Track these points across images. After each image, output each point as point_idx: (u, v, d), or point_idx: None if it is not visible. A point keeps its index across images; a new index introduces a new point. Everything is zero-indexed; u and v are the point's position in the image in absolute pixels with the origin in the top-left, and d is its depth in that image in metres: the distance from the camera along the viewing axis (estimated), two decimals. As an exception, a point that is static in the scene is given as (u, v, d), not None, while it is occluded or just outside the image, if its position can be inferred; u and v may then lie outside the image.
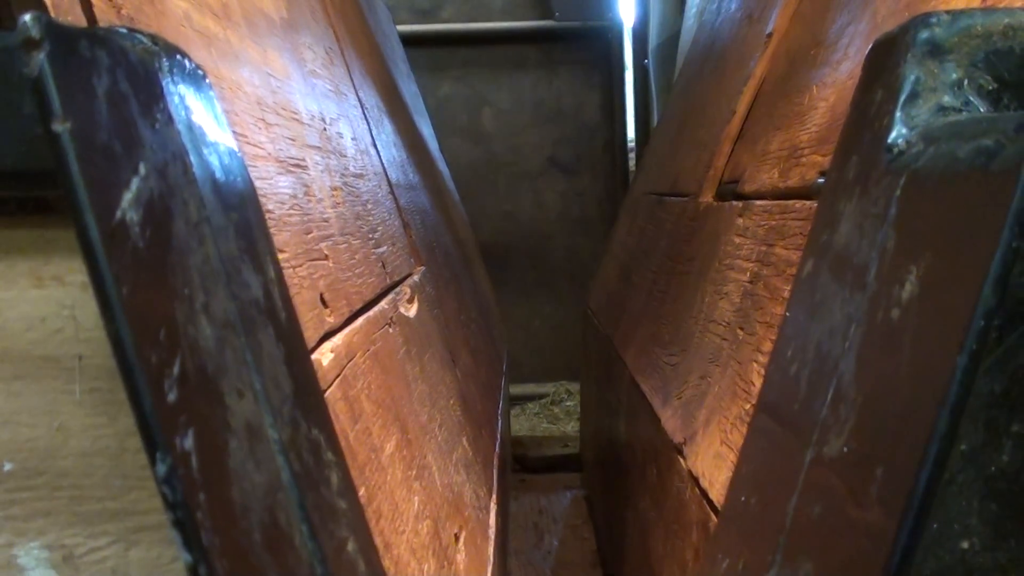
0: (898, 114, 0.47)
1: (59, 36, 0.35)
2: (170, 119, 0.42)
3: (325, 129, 1.18)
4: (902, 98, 0.47)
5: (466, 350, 1.88)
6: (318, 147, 1.09)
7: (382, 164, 1.62)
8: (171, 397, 0.35)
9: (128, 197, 0.36)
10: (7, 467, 0.47)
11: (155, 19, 0.72)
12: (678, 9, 3.96)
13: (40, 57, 0.35)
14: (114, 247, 0.34)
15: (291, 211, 0.86)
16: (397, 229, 1.52)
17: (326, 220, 0.99)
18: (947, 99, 0.47)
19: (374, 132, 1.67)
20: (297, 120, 1.03)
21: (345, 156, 1.26)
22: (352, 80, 1.62)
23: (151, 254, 0.37)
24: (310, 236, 0.90)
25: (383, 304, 1.15)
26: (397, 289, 1.30)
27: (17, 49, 0.35)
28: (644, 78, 4.84)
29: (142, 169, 0.38)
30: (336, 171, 1.15)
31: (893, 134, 0.47)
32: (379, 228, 1.32)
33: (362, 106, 1.63)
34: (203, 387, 0.38)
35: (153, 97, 0.41)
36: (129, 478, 0.46)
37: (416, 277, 1.50)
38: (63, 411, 0.46)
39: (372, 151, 1.56)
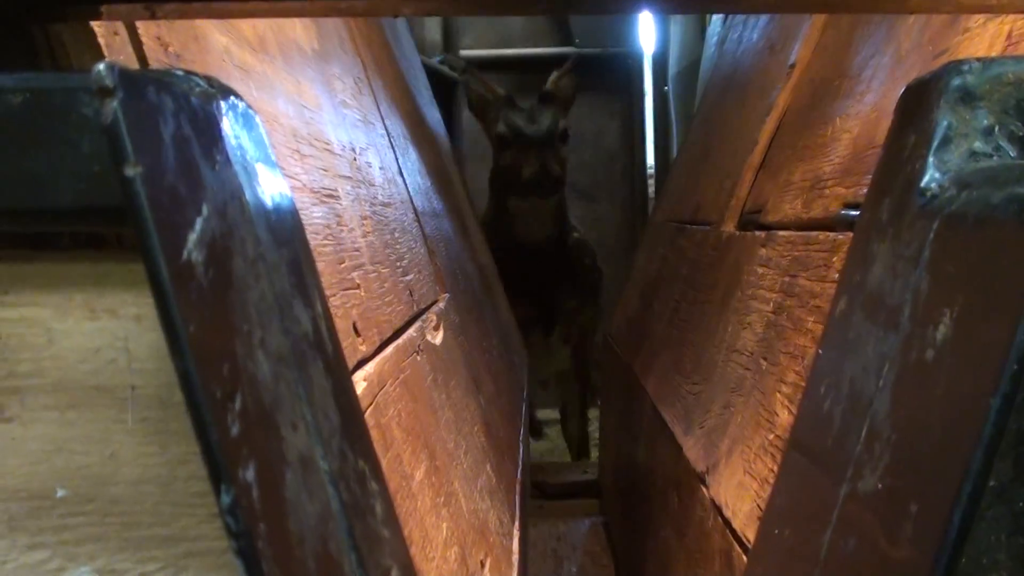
0: (931, 159, 0.49)
1: (130, 83, 0.37)
2: (228, 160, 0.44)
3: (355, 159, 1.20)
4: (935, 143, 0.49)
5: (489, 376, 1.89)
6: (349, 177, 1.11)
7: (408, 192, 1.64)
8: (234, 430, 0.37)
9: (193, 238, 0.38)
10: (60, 493, 0.48)
11: (199, 55, 0.74)
12: (698, 37, 3.98)
13: (113, 104, 0.36)
14: (181, 286, 0.36)
15: (325, 241, 0.88)
16: (423, 257, 1.53)
17: (357, 249, 1.01)
18: (978, 145, 0.49)
19: (400, 160, 1.69)
20: (329, 151, 1.05)
21: (374, 185, 1.28)
22: (379, 109, 1.64)
23: (213, 292, 0.39)
24: (343, 266, 0.92)
25: (411, 332, 1.16)
26: (424, 317, 1.31)
27: (91, 95, 0.37)
28: (664, 105, 4.85)
29: (204, 210, 0.39)
30: (366, 200, 1.17)
31: (926, 178, 0.49)
32: (406, 256, 1.34)
33: (389, 135, 1.65)
34: (261, 420, 0.40)
35: (212, 139, 0.43)
36: (179, 505, 0.48)
37: (441, 304, 1.52)
38: (115, 440, 0.47)
39: (399, 179, 1.58)
